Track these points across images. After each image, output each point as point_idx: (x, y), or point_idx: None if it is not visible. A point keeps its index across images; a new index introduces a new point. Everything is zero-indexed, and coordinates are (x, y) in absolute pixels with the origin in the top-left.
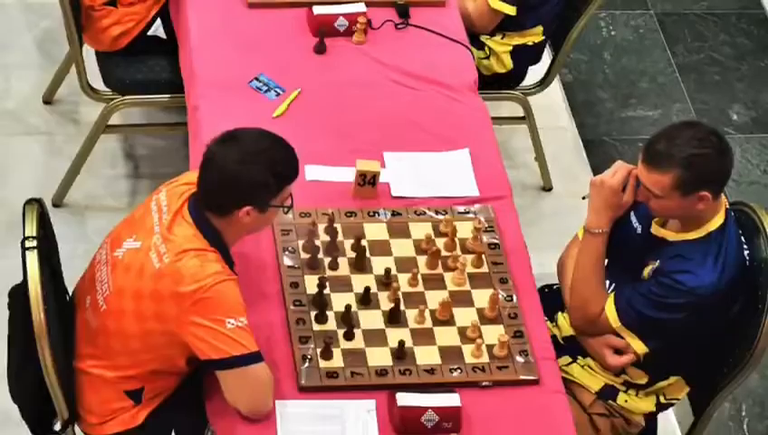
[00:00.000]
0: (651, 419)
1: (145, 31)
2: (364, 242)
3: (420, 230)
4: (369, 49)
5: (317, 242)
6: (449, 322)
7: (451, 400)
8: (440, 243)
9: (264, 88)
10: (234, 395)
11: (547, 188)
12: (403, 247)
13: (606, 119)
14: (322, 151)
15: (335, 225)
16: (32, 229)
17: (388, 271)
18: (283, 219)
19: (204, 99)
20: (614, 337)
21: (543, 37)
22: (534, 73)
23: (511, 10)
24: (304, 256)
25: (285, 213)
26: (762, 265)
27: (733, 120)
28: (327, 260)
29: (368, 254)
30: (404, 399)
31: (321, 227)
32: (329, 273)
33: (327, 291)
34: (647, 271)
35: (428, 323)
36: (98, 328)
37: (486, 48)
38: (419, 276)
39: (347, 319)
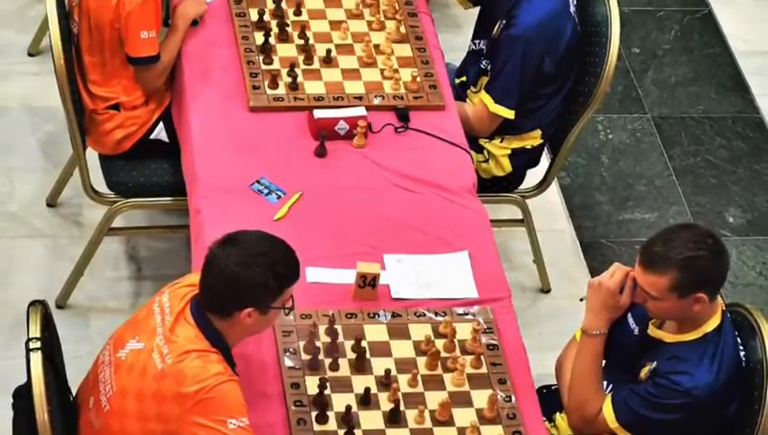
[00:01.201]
0: None
1: (147, 134)
2: (364, 343)
3: (420, 331)
4: (369, 152)
5: (318, 343)
6: (449, 422)
7: None
8: (440, 344)
9: (266, 191)
10: None
11: (545, 289)
12: (403, 348)
13: (603, 221)
14: (323, 253)
15: (336, 326)
16: (35, 330)
17: (388, 372)
18: (284, 321)
19: (206, 201)
20: None
21: (542, 140)
22: (533, 176)
23: (509, 114)
24: (305, 357)
25: (286, 314)
26: (758, 366)
27: (729, 223)
28: (328, 361)
29: (368, 355)
30: None
31: (322, 329)
32: (329, 374)
33: (328, 391)
34: (644, 372)
35: (428, 424)
36: (101, 428)
37: (485, 151)
38: (419, 377)
39: (347, 419)
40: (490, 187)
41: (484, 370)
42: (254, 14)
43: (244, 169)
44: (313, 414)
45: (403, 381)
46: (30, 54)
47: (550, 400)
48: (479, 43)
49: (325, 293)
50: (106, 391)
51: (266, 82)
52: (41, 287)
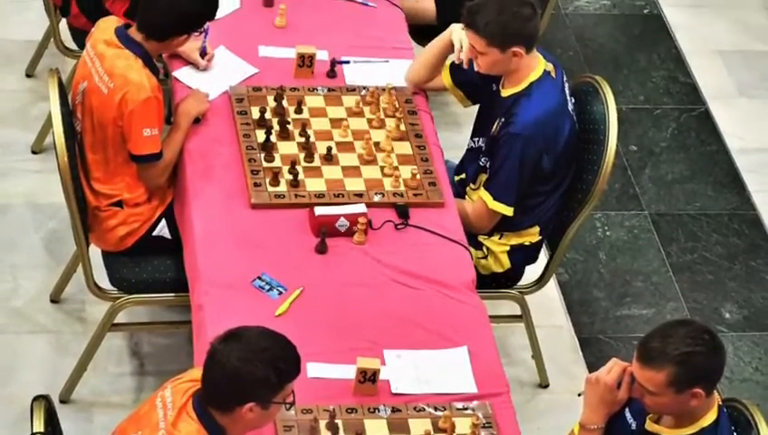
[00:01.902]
0: None
1: (150, 231)
2: None
3: (420, 426)
4: (369, 249)
5: None
6: None
7: None
8: None
9: (267, 287)
10: None
11: (544, 385)
12: None
13: (601, 317)
14: (324, 349)
15: (336, 421)
16: (39, 425)
17: None
18: (286, 416)
19: (207, 297)
20: None
21: (540, 237)
22: (531, 272)
23: (508, 211)
24: None
25: (287, 409)
26: None
27: (725, 319)
28: None
29: None
30: None
31: (323, 423)
32: None
33: None
34: None
35: None
36: None
37: (484, 248)
38: None
39: None
40: (489, 283)
41: None
42: (255, 112)
43: (246, 265)
44: None
45: None
46: (33, 152)
47: None
48: (478, 141)
49: (326, 388)
50: None
51: (268, 180)
52: (44, 382)
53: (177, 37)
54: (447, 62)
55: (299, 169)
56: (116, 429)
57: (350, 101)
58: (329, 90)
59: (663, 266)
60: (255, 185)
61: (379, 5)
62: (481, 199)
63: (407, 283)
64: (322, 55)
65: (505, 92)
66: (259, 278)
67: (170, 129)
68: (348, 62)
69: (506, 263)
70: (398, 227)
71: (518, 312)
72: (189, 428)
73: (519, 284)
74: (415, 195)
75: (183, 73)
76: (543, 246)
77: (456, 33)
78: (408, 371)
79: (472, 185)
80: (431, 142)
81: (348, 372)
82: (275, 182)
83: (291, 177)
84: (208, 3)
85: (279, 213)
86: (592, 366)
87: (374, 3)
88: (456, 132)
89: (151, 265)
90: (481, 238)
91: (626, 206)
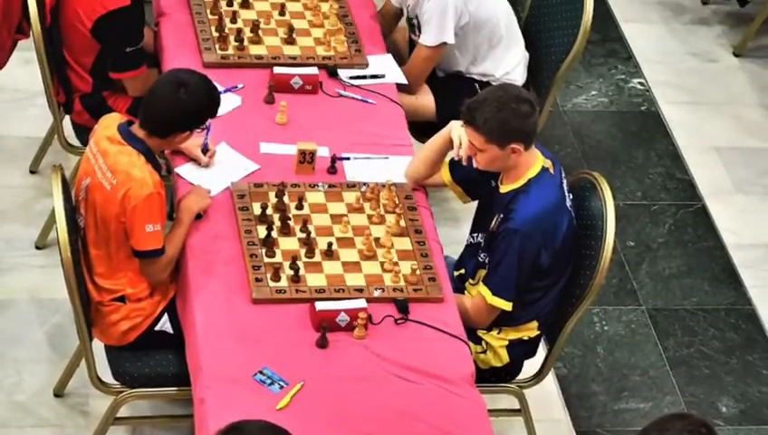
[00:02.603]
0: None
1: (152, 326)
2: None
3: None
4: (369, 343)
5: None
6: None
7: None
8: None
9: (268, 381)
10: None
11: None
12: None
13: (599, 411)
14: None
15: None
16: None
17: None
18: None
19: (209, 391)
20: None
21: (539, 332)
22: (530, 366)
23: (507, 306)
24: None
25: None
26: None
27: (722, 413)
28: None
29: None
30: None
31: None
32: None
33: None
34: None
35: None
36: None
37: (483, 342)
38: None
39: None
40: (488, 377)
41: None
42: (256, 208)
43: (247, 359)
44: None
45: None
46: (37, 247)
47: None
48: (477, 237)
49: None
50: None
51: (269, 275)
52: None
53: (180, 134)
54: (447, 159)
55: (300, 264)
56: None
57: (350, 197)
58: (329, 186)
59: (660, 361)
60: (257, 280)
61: (378, 102)
62: (480, 295)
63: (407, 377)
64: (323, 152)
65: (504, 188)
66: (260, 372)
67: (173, 225)
68: (348, 159)
69: (505, 357)
70: (398, 321)
71: (517, 406)
72: None
73: (518, 378)
74: (414, 290)
75: (185, 170)
76: (542, 340)
77: (456, 129)
78: None
79: (471, 280)
80: (431, 238)
81: None
82: (276, 277)
83: (292, 272)
84: (210, 100)
85: (280, 308)
86: None
87: (374, 100)
88: (455, 228)
89: (153, 359)
90: (480, 333)
91: (623, 301)
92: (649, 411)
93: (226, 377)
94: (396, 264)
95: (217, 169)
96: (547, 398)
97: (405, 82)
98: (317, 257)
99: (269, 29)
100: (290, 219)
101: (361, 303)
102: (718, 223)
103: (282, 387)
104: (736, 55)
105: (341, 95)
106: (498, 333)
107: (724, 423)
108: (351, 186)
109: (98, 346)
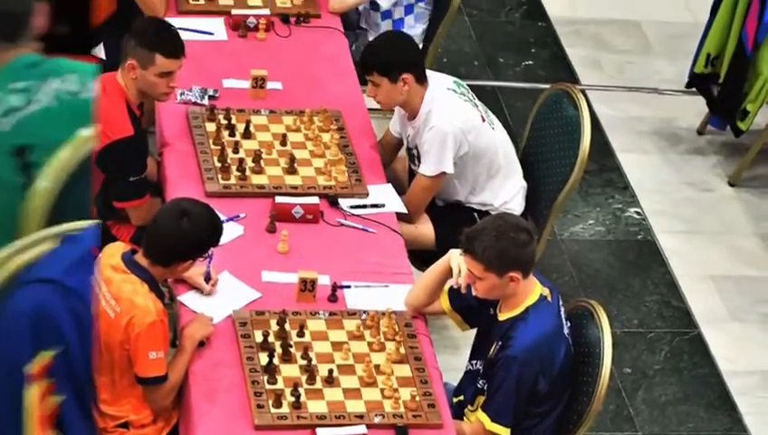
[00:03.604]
0: None
1: None
2: None
3: None
4: None
5: None
6: None
7: None
8: None
9: None
10: None
11: None
12: None
13: None
14: None
15: None
16: None
17: None
18: None
19: None
20: None
21: None
22: None
23: (506, 432)
24: None
25: None
26: None
27: None
28: None
29: None
30: None
31: None
32: None
33: None
34: None
35: None
36: None
37: None
38: None
39: None
40: None
41: None
42: (258, 336)
43: None
44: None
45: None
46: None
47: None
48: (476, 364)
49: None
50: None
51: (270, 402)
52: None
53: (182, 263)
54: (446, 287)
55: (301, 390)
56: None
57: (350, 324)
58: (330, 314)
59: None
60: (258, 407)
61: (379, 231)
62: (479, 421)
63: None
64: (324, 280)
65: (502, 316)
66: None
67: (175, 352)
68: (349, 287)
69: None
70: None
71: None
72: None
73: None
74: (414, 416)
75: (188, 298)
76: None
77: (455, 258)
78: None
79: (470, 406)
80: (430, 365)
81: None
82: (278, 404)
83: (293, 399)
84: (212, 230)
85: (282, 434)
86: None
87: (374, 229)
88: (454, 355)
89: None
90: None
91: (620, 427)
92: None
93: None
94: (396, 390)
95: (220, 297)
96: None
97: (405, 211)
98: (318, 384)
99: (271, 159)
100: (291, 346)
101: (362, 429)
102: (714, 350)
103: None
104: (731, 185)
105: (342, 224)
106: None
107: None
108: (352, 314)
109: None
